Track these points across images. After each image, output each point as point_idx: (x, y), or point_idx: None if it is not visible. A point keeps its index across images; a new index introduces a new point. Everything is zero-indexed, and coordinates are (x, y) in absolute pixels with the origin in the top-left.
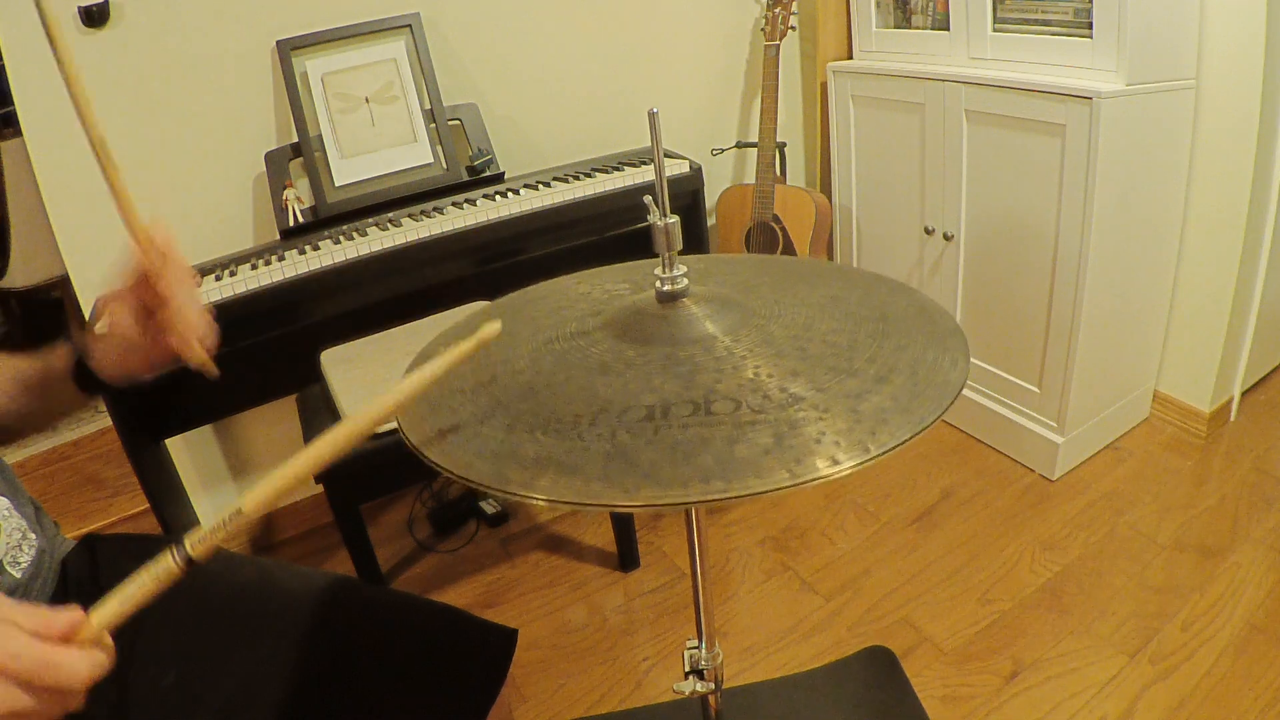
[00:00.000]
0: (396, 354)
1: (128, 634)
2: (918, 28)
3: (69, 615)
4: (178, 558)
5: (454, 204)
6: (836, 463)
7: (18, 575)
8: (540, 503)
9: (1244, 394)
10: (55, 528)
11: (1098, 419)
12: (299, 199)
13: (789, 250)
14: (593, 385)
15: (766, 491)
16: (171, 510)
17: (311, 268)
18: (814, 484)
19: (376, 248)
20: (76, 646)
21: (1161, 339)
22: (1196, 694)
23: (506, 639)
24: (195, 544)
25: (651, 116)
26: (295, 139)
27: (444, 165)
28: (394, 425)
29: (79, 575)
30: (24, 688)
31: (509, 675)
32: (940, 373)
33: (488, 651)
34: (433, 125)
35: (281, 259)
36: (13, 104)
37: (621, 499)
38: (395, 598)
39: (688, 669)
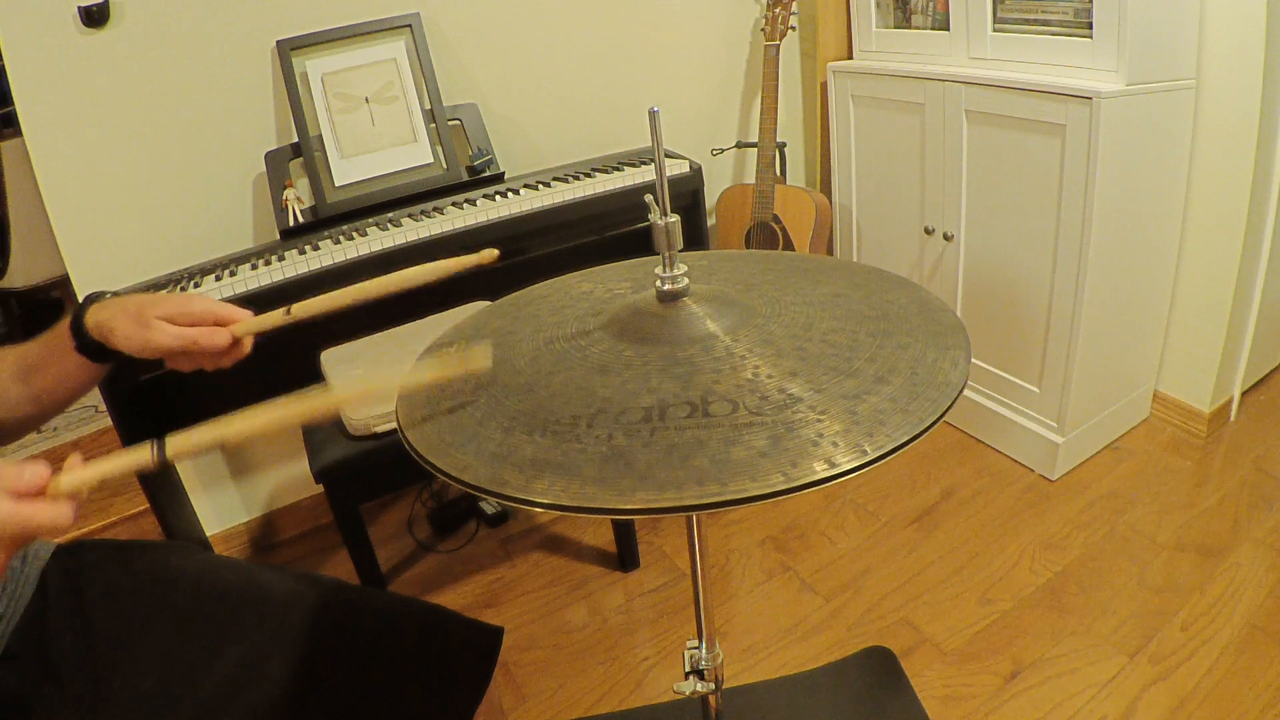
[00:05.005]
0: (396, 354)
1: (109, 641)
2: (918, 28)
3: (38, 471)
4: (155, 455)
5: (454, 204)
6: (833, 465)
7: None
8: (537, 509)
9: (1244, 394)
10: None
11: (1098, 419)
12: (299, 199)
13: (789, 250)
14: (591, 386)
15: (762, 496)
16: (171, 510)
17: (311, 268)
18: (810, 489)
19: (376, 248)
20: (46, 501)
21: (1161, 339)
22: (1196, 694)
23: (492, 637)
24: (175, 452)
25: (652, 115)
26: (295, 139)
27: (444, 165)
28: (393, 426)
29: (60, 584)
30: (3, 542)
31: (508, 674)
32: (940, 373)
33: (473, 650)
34: (433, 125)
35: (281, 259)
36: (13, 104)
37: (616, 502)
38: (379, 598)
39: (688, 669)
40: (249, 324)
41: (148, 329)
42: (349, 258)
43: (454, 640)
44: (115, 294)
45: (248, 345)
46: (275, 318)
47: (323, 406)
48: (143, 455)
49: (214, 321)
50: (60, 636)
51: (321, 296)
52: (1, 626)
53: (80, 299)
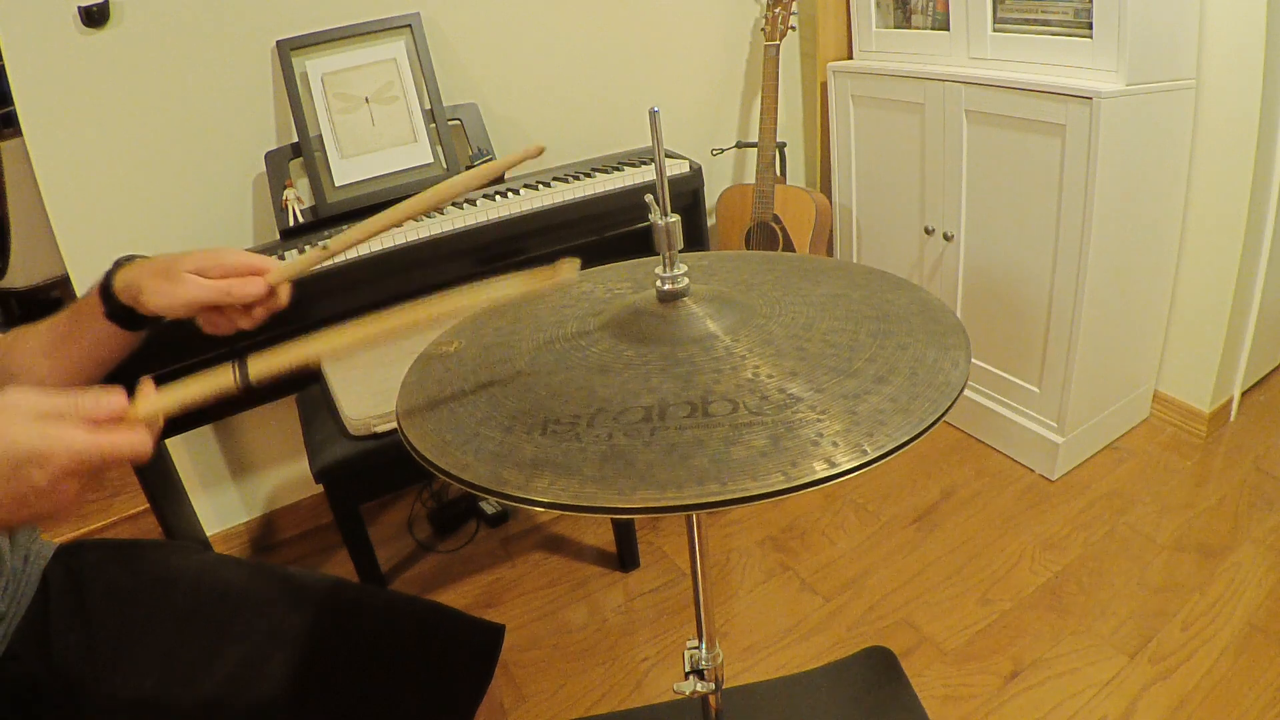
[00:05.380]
0: (396, 354)
1: (110, 640)
2: (918, 28)
3: (115, 399)
4: (238, 377)
5: (454, 204)
6: (833, 464)
7: None
8: (537, 508)
9: (1244, 394)
10: (33, 531)
11: (1098, 419)
12: (299, 199)
13: (789, 250)
14: (591, 385)
15: (762, 496)
16: (171, 510)
17: None
18: (810, 489)
19: (376, 248)
20: (125, 428)
21: (1161, 339)
22: (1196, 694)
23: (493, 634)
24: (259, 373)
25: (653, 115)
26: (295, 139)
27: (444, 165)
28: (394, 425)
29: (61, 584)
30: (82, 474)
31: (508, 674)
32: (940, 373)
33: (475, 647)
34: (433, 125)
35: (281, 259)
36: (13, 104)
37: (617, 501)
38: (381, 596)
39: (688, 669)
40: (284, 269)
41: (178, 283)
42: (349, 258)
43: (455, 638)
44: (144, 257)
45: (284, 295)
46: (312, 257)
47: (406, 322)
48: (224, 379)
49: (247, 272)
50: (62, 636)
51: (355, 227)
52: (4, 626)
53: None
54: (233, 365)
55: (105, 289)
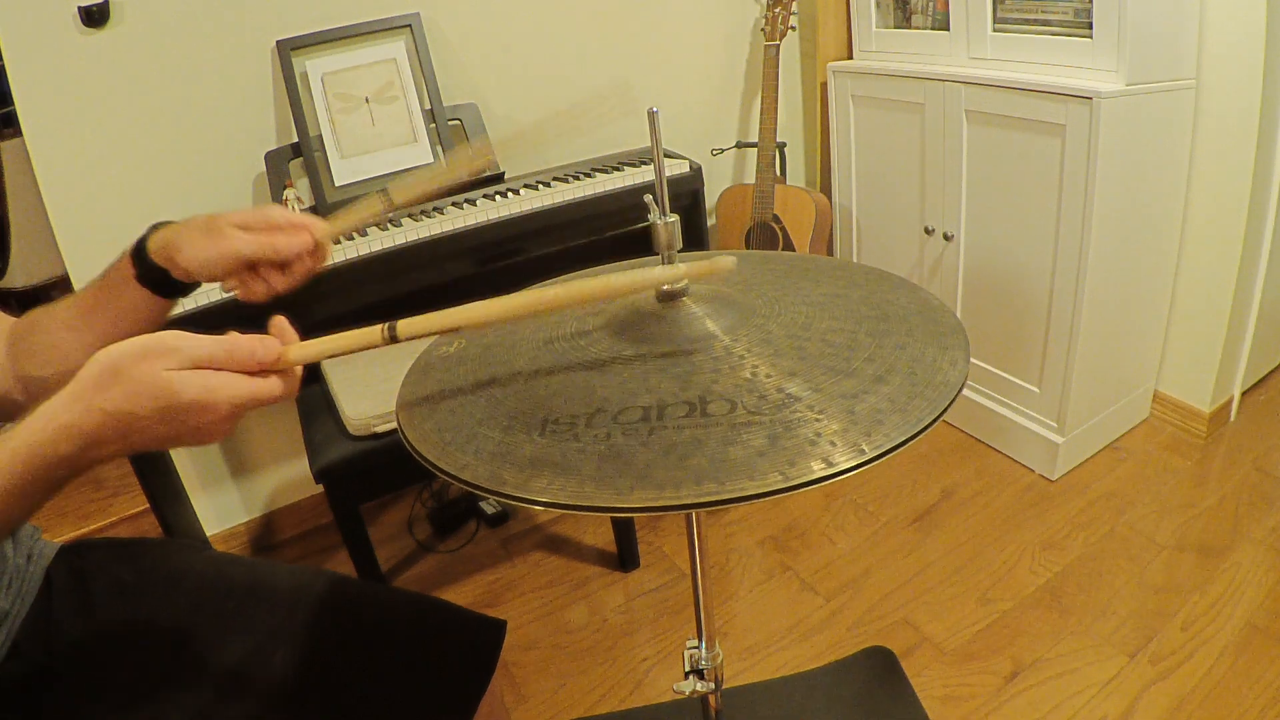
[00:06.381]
0: (396, 354)
1: (115, 635)
2: (918, 28)
3: (270, 349)
4: (386, 334)
5: (454, 204)
6: (831, 464)
7: None
8: (536, 508)
9: (1244, 394)
10: (35, 531)
11: (1098, 419)
12: (299, 199)
13: (789, 250)
14: (590, 385)
15: (759, 495)
16: (172, 510)
17: None
18: (808, 488)
19: (376, 248)
20: (275, 375)
21: (1161, 339)
22: (1196, 694)
23: (495, 630)
24: (407, 333)
25: (651, 116)
26: (295, 139)
27: (444, 165)
28: (394, 425)
29: (65, 582)
30: (236, 417)
31: (508, 673)
32: (939, 373)
33: (476, 643)
34: (433, 125)
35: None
36: (13, 104)
37: (615, 501)
38: (383, 592)
39: (688, 669)
40: (335, 225)
41: (220, 237)
42: (348, 258)
43: (457, 634)
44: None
45: (329, 250)
46: (368, 209)
47: (553, 303)
48: (372, 335)
49: (291, 228)
50: (67, 632)
51: (418, 180)
52: (8, 624)
53: None
54: (382, 327)
55: (138, 251)
